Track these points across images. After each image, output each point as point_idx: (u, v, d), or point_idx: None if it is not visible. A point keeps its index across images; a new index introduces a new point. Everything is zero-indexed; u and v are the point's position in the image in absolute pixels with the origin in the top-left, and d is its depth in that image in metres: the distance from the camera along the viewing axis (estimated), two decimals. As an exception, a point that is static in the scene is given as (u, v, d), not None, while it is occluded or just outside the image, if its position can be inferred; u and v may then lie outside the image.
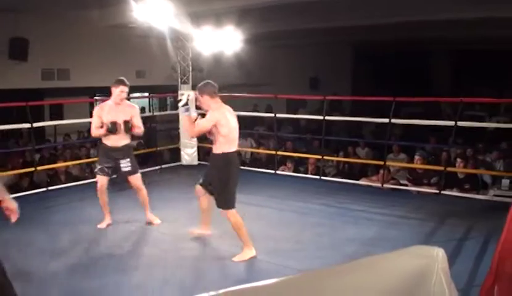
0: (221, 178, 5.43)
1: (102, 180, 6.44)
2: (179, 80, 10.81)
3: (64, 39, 12.08)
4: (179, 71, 10.85)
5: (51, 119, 12.12)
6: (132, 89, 14.67)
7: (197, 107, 5.93)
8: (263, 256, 5.45)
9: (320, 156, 9.54)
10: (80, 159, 10.90)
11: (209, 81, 5.55)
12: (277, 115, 10.26)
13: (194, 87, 10.51)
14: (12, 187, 9.46)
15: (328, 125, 10.08)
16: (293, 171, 10.11)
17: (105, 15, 11.41)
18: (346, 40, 19.21)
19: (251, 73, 15.76)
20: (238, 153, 5.57)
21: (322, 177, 9.28)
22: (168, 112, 13.11)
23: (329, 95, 10.88)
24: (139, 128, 6.56)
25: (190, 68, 10.77)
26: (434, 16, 11.33)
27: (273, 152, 10.18)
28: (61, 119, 12.31)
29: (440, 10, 10.59)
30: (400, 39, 17.60)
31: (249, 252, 5.48)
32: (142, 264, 5.38)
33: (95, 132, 6.53)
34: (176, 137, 11.14)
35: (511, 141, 10.99)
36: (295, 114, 13.84)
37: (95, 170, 6.71)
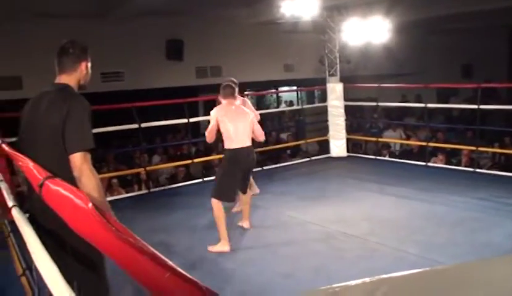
0: (218, 169, 6.11)
1: None
2: (327, 73, 10.87)
3: (215, 38, 12.64)
4: (326, 64, 10.90)
5: (205, 115, 12.71)
6: (281, 83, 15.18)
7: None
8: (414, 249, 5.33)
9: (474, 148, 9.08)
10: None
11: (228, 82, 6.35)
12: (428, 105, 9.98)
13: (342, 79, 10.60)
14: (171, 179, 10.20)
15: (483, 114, 9.58)
16: (445, 163, 9.67)
17: (252, 12, 11.77)
18: (501, 23, 18.15)
19: (400, 62, 15.43)
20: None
21: (477, 170, 8.79)
22: (316, 105, 13.20)
23: (482, 82, 10.37)
24: None
25: (338, 60, 10.78)
26: None
27: (424, 143, 9.92)
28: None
29: None
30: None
31: (223, 246, 5.61)
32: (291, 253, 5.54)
33: None
34: (324, 129, 11.23)
35: None
36: (446, 103, 13.38)
37: None
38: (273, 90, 15.78)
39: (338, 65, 10.79)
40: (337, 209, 6.92)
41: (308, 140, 11.28)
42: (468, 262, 1.68)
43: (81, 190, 2.63)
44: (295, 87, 15.31)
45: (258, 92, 15.28)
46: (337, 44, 10.72)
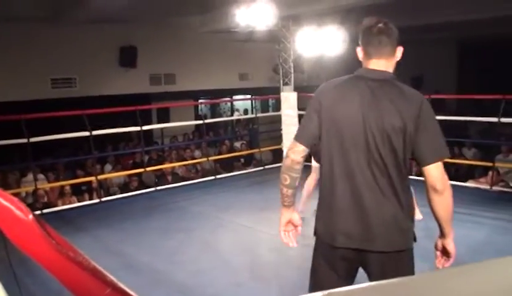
0: None
1: None
2: (281, 82, 10.90)
3: (169, 45, 12.55)
4: (280, 73, 10.94)
5: (158, 123, 12.59)
6: (236, 91, 15.15)
7: None
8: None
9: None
10: (185, 160, 11.29)
11: None
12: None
13: (296, 89, 10.64)
14: (123, 188, 10.05)
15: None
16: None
17: (207, 21, 11.74)
18: (450, 36, 18.60)
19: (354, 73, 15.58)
20: None
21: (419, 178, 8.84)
22: (270, 113, 13.23)
23: (431, 93, 10.56)
24: None
25: (292, 69, 10.83)
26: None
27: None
28: (168, 122, 12.77)
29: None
30: (509, 33, 16.81)
31: None
32: (247, 263, 5.50)
33: None
34: (278, 138, 11.26)
35: None
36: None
37: None
38: (227, 99, 15.73)
39: (292, 75, 10.83)
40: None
41: (262, 149, 11.28)
42: (436, 271, 1.67)
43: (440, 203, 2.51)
44: (249, 96, 15.32)
45: (212, 100, 15.24)
46: (292, 53, 10.76)
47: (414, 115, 2.39)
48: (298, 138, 2.62)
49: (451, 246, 2.61)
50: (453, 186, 6.90)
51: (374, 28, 2.56)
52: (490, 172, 8.53)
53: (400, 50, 2.63)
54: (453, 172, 10.23)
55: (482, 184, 8.64)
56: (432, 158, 2.42)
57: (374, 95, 2.45)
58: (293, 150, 2.62)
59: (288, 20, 10.26)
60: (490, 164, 8.57)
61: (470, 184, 8.80)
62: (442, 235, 2.61)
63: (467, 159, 10.62)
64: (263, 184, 9.14)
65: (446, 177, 2.47)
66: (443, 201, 2.49)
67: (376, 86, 2.48)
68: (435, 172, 2.42)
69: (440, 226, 2.58)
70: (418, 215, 6.84)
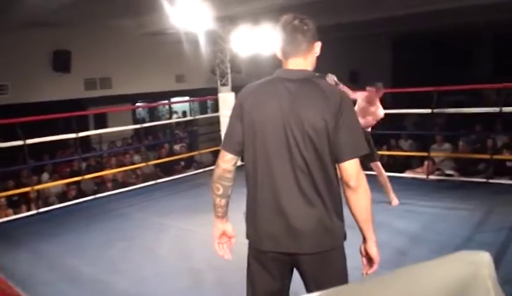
0: None
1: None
2: (219, 83, 10.87)
3: (104, 49, 12.32)
4: (218, 74, 10.90)
5: (96, 128, 12.34)
6: (173, 94, 15.02)
7: None
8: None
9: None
10: (125, 165, 11.09)
11: None
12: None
13: (233, 89, 10.62)
14: (61, 197, 9.79)
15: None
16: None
17: (141, 23, 11.59)
18: (385, 31, 19.01)
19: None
20: None
21: (366, 172, 9.03)
22: (208, 115, 13.17)
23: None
24: None
25: (229, 70, 10.81)
26: (472, 2, 11.11)
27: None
28: (106, 127, 12.52)
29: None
30: (439, 27, 17.30)
31: None
32: (193, 268, 5.44)
33: None
34: (218, 139, 11.21)
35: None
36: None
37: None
38: (165, 102, 15.56)
39: (229, 75, 10.81)
40: (234, 221, 6.85)
41: (202, 151, 11.22)
42: (351, 283, 1.67)
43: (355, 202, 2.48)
44: (187, 98, 15.21)
45: (150, 103, 15.06)
46: (228, 53, 10.74)
47: (334, 112, 2.37)
48: (224, 147, 2.61)
49: (372, 251, 2.57)
50: (391, 178, 7.11)
51: (288, 27, 2.52)
52: (426, 162, 8.77)
53: (318, 46, 2.58)
54: (391, 163, 10.45)
55: (419, 174, 8.87)
56: (349, 155, 2.41)
57: (293, 97, 2.43)
58: (222, 160, 2.60)
59: (224, 20, 10.23)
60: (425, 154, 8.81)
61: (407, 174, 9.01)
62: (364, 239, 2.58)
63: (404, 150, 10.87)
64: (204, 187, 9.03)
65: (362, 174, 2.47)
66: (358, 200, 2.48)
67: (295, 87, 2.45)
68: (350, 168, 2.42)
69: (359, 228, 2.56)
70: (395, 201, 7.06)
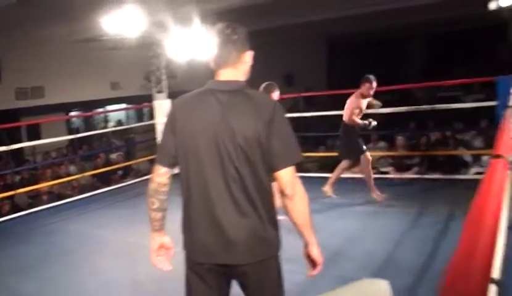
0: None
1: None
2: (154, 89, 10.75)
3: (36, 56, 11.99)
4: (153, 81, 10.79)
5: (29, 139, 11.99)
6: (108, 101, 14.76)
7: None
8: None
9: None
10: (61, 177, 10.80)
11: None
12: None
13: (170, 95, 10.52)
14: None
15: (304, 121, 10.08)
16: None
17: (73, 30, 11.33)
18: (319, 34, 19.30)
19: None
20: None
21: (303, 174, 9.12)
22: (144, 123, 13.00)
23: (303, 91, 10.90)
24: None
25: (164, 76, 10.71)
26: (403, 4, 11.44)
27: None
28: (39, 138, 12.16)
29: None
30: (372, 28, 17.70)
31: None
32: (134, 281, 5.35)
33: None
34: (155, 147, 11.06)
35: (488, 118, 11.11)
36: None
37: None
38: (100, 110, 15.28)
39: (164, 81, 10.72)
40: (176, 229, 6.79)
41: (139, 160, 11.06)
42: None
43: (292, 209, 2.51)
44: (123, 105, 14.98)
45: (86, 112, 14.75)
46: (163, 59, 10.65)
47: (266, 122, 2.39)
48: (158, 161, 2.61)
49: (315, 254, 2.62)
50: (328, 178, 7.16)
51: (218, 36, 2.53)
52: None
53: (249, 55, 2.60)
54: (329, 163, 10.58)
55: (356, 173, 9.00)
56: (283, 164, 2.44)
57: (224, 108, 2.44)
58: (157, 174, 2.61)
59: (158, 25, 10.13)
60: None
61: (345, 174, 9.13)
62: (305, 243, 2.62)
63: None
64: (143, 196, 8.85)
65: (297, 182, 2.51)
66: (295, 207, 2.52)
67: (226, 98, 2.46)
68: (285, 177, 2.45)
69: (300, 233, 2.59)
70: (380, 197, 7.34)
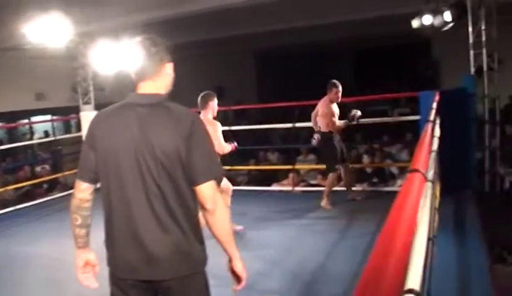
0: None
1: None
2: (80, 101, 10.51)
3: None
4: (79, 92, 10.54)
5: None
6: (33, 113, 14.31)
7: None
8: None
9: (229, 167, 9.34)
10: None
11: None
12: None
13: (97, 107, 10.29)
14: None
15: (235, 134, 10.05)
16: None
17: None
18: (249, 48, 19.43)
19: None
20: None
21: (234, 187, 9.08)
22: (71, 135, 12.66)
23: (234, 104, 10.92)
24: None
25: (91, 87, 10.49)
26: (329, 20, 11.69)
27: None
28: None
29: (334, 13, 10.98)
30: (301, 43, 17.97)
31: None
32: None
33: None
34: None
35: (413, 131, 11.44)
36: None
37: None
38: (25, 122, 14.77)
39: (92, 93, 10.50)
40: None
41: (66, 173, 10.74)
42: None
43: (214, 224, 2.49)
44: (49, 117, 14.54)
45: (9, 124, 14.23)
46: (90, 71, 10.43)
47: (186, 136, 2.37)
48: (79, 176, 2.56)
49: (238, 269, 2.59)
50: (258, 191, 7.23)
51: (138, 49, 2.51)
52: (291, 174, 9.00)
53: (169, 67, 2.58)
54: (259, 178, 10.62)
55: (285, 186, 9.06)
56: (203, 178, 2.42)
57: (143, 122, 2.40)
58: (78, 189, 2.55)
59: (84, 36, 9.92)
60: (289, 166, 9.04)
61: (274, 187, 9.18)
62: (228, 258, 2.60)
63: (273, 163, 11.07)
64: (68, 210, 8.66)
65: (218, 196, 2.49)
66: (216, 222, 2.49)
67: (145, 112, 2.43)
68: (205, 191, 2.43)
69: (223, 249, 2.57)
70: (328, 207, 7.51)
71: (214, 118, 6.18)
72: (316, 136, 7.65)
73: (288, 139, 12.51)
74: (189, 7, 9.06)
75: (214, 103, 6.15)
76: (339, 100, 7.57)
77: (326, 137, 7.54)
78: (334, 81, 7.56)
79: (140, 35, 2.59)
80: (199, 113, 5.93)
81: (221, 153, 5.98)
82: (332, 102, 7.53)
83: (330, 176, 7.62)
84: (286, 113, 9.49)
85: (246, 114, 18.03)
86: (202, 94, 6.16)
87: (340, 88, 7.49)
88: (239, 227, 6.52)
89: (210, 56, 18.03)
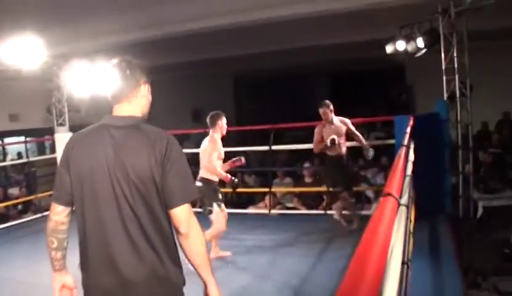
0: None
1: None
2: (55, 122, 10.41)
3: None
4: (54, 113, 10.45)
5: None
6: (6, 134, 14.12)
7: None
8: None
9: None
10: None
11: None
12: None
13: (73, 128, 10.20)
14: None
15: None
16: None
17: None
18: (226, 70, 19.51)
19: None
20: None
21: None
22: (45, 156, 12.50)
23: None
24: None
25: (66, 109, 10.40)
26: (305, 44, 11.80)
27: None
28: None
29: (310, 38, 11.08)
30: (279, 67, 18.09)
31: None
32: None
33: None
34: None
35: (389, 155, 11.51)
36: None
37: None
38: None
39: (67, 114, 10.42)
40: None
41: (40, 195, 10.59)
42: None
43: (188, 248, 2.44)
44: (22, 138, 14.37)
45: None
46: (65, 92, 10.35)
47: (160, 159, 2.35)
48: (54, 199, 2.52)
49: (213, 294, 2.52)
50: (234, 214, 7.19)
51: (114, 70, 2.50)
52: (267, 197, 8.98)
53: (145, 89, 2.57)
54: (235, 199, 10.59)
55: (261, 209, 9.05)
56: (178, 201, 2.39)
57: (117, 145, 2.38)
58: (54, 212, 2.51)
59: (58, 57, 9.86)
60: (266, 189, 9.03)
61: (250, 210, 9.16)
62: (204, 284, 2.54)
63: (250, 186, 11.04)
64: (43, 233, 8.50)
65: (194, 220, 2.45)
66: (191, 245, 2.46)
67: (120, 134, 2.41)
68: (180, 214, 2.40)
69: (198, 274, 2.53)
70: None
71: (223, 137, 6.55)
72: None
73: (265, 162, 12.51)
74: (167, 28, 9.09)
75: (223, 123, 6.49)
76: (330, 118, 7.52)
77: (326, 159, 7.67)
78: (325, 101, 7.67)
79: (115, 57, 2.58)
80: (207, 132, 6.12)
81: (213, 169, 6.25)
82: (323, 123, 7.50)
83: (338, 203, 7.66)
84: (263, 136, 9.50)
85: (224, 137, 18.02)
86: (211, 114, 6.47)
87: (331, 107, 7.58)
88: (226, 253, 6.50)
89: (188, 78, 18.02)
